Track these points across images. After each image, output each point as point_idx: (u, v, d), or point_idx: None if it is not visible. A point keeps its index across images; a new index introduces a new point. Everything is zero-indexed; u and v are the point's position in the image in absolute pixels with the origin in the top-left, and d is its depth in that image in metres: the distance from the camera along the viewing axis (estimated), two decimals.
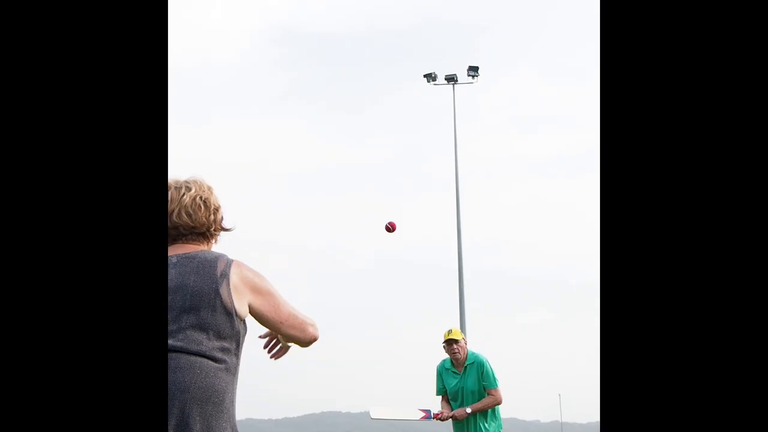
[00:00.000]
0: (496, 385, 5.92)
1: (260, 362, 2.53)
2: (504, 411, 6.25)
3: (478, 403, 5.89)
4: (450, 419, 5.99)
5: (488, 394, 5.90)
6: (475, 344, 7.06)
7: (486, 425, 5.96)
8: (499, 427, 6.12)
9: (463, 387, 5.96)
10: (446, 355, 6.14)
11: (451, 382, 6.04)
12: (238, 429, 2.47)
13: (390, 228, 5.08)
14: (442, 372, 6.13)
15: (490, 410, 5.97)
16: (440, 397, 6.19)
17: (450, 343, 5.97)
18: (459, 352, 5.97)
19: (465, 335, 7.07)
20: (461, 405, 5.96)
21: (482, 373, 5.91)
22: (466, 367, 5.98)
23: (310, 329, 2.55)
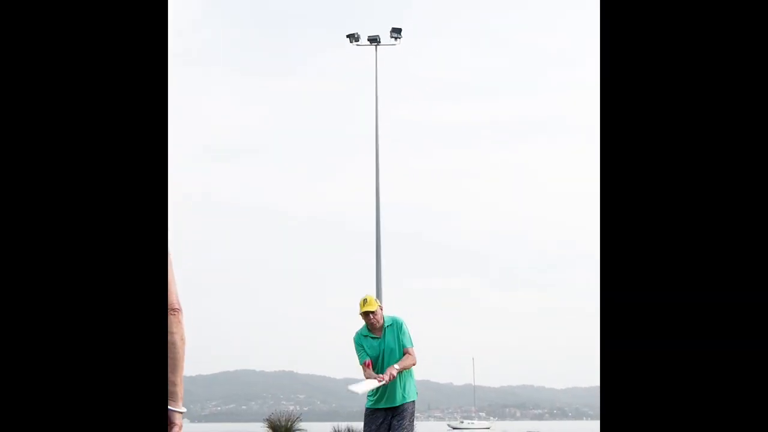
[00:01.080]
0: (412, 344, 6.25)
1: None
2: (418, 373, 6.54)
3: (401, 361, 6.17)
4: (386, 381, 6.10)
5: (405, 353, 6.19)
6: (390, 308, 7.19)
7: (406, 384, 6.26)
8: (415, 389, 6.37)
9: (383, 348, 6.21)
10: (361, 324, 6.32)
11: (372, 346, 6.25)
12: None
13: None
14: (360, 340, 6.32)
15: (407, 371, 6.25)
16: (364, 364, 6.32)
17: (366, 315, 6.18)
18: (376, 321, 6.20)
19: (380, 298, 7.22)
20: (383, 365, 6.18)
21: (400, 333, 6.21)
22: (384, 329, 6.23)
23: (174, 296, 2.24)
